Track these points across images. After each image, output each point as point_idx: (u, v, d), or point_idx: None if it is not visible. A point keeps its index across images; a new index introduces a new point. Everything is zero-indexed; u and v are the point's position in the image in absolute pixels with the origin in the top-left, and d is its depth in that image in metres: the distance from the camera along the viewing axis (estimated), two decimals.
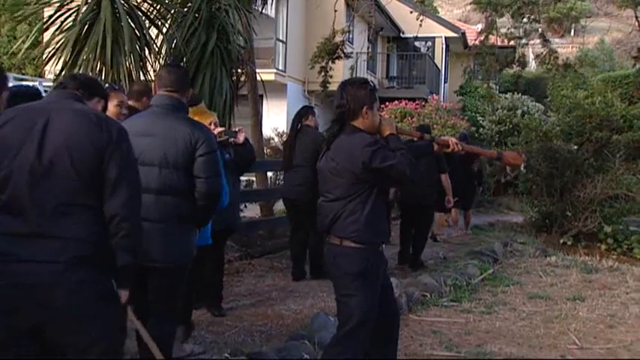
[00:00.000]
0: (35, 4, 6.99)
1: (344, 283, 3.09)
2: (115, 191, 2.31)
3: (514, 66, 13.25)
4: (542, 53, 11.98)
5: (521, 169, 4.10)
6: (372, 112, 3.14)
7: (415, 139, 3.67)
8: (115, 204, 2.31)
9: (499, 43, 13.05)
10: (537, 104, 17.23)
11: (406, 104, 15.94)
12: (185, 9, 7.23)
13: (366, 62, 18.75)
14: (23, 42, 7.34)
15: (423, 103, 16.73)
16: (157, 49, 6.96)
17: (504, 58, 12.87)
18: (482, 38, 12.44)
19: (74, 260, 2.21)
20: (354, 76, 15.47)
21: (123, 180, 2.33)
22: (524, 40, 12.58)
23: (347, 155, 3.05)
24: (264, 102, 10.45)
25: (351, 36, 17.22)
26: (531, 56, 17.87)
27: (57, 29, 6.83)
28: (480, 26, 23.38)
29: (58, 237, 2.22)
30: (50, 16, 6.77)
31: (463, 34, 22.55)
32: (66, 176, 2.26)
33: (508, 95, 17.84)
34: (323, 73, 11.74)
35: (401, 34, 21.48)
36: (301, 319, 4.82)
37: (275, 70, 14.69)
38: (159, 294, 3.19)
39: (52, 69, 7.07)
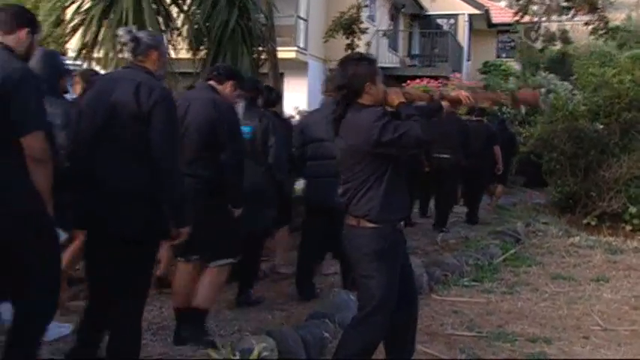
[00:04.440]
0: None
1: (363, 264, 3.06)
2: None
3: (556, 43, 12.91)
4: (591, 21, 11.53)
5: (541, 106, 4.06)
6: (376, 86, 3.06)
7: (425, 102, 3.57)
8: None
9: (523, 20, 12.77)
10: (564, 83, 16.92)
11: (428, 82, 15.75)
12: None
13: (387, 40, 18.53)
14: (45, 20, 7.37)
15: (446, 81, 16.53)
16: (178, 28, 6.95)
17: (534, 33, 12.57)
18: (517, 17, 12.11)
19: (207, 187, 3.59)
20: (374, 53, 15.35)
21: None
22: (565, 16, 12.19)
23: (357, 133, 2.99)
24: (285, 80, 10.42)
25: (372, 13, 17.04)
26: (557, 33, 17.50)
27: (78, 7, 6.84)
28: (503, 3, 22.99)
29: None
30: (70, 3, 6.77)
31: (487, 11, 22.17)
32: None
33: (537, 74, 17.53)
34: (349, 51, 11.63)
35: (423, 12, 21.19)
36: (321, 297, 4.82)
37: (296, 48, 14.58)
38: None
39: (74, 46, 7.11)
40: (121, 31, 3.10)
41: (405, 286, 3.15)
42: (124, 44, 3.05)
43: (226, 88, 3.88)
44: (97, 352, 3.10)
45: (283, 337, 3.59)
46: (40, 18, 9.71)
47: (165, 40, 6.50)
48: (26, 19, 2.81)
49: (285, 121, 5.54)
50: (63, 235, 2.85)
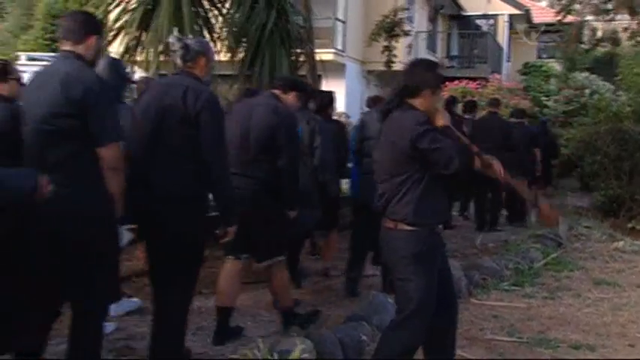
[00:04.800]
0: None
1: (400, 267, 3.04)
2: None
3: (605, 44, 12.64)
4: (630, 25, 11.26)
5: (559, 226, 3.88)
6: (433, 97, 3.05)
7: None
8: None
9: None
10: (606, 84, 16.54)
11: (467, 84, 15.55)
12: None
13: (426, 41, 18.40)
14: None
15: (484, 82, 16.31)
16: (217, 30, 7.02)
17: (577, 34, 12.32)
18: (560, 17, 11.88)
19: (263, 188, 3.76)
20: (413, 55, 15.25)
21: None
22: (609, 16, 11.91)
23: (397, 131, 2.98)
24: (323, 82, 10.41)
25: (411, 14, 16.93)
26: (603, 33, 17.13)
27: (121, 11, 6.97)
28: (545, 3, 22.58)
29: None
30: (115, 4, 6.91)
31: (527, 11, 21.81)
32: None
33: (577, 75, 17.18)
34: (386, 53, 11.60)
35: (462, 12, 20.97)
36: (359, 299, 4.80)
37: (334, 50, 14.58)
38: None
39: (116, 50, 7.25)
40: (171, 39, 3.22)
41: (444, 290, 3.11)
42: (175, 51, 3.16)
43: (290, 97, 4.10)
44: None
45: (321, 339, 3.59)
46: None
47: None
48: (94, 26, 2.92)
49: (335, 123, 5.58)
50: (128, 236, 2.97)
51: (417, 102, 3.03)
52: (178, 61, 3.17)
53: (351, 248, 5.21)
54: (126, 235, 2.97)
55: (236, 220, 3.19)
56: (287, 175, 3.88)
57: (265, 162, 3.85)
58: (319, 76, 8.94)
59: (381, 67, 14.02)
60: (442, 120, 3.07)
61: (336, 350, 3.60)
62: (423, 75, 3.05)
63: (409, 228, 2.98)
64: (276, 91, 4.09)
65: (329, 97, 5.63)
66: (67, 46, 2.81)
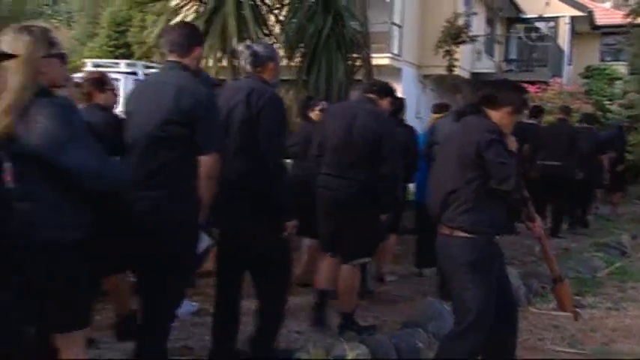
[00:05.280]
0: None
1: (457, 275, 3.00)
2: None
3: None
4: None
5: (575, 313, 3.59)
6: (510, 117, 3.03)
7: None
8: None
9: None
10: None
11: (526, 88, 15.22)
12: None
13: (484, 45, 18.11)
14: (151, 31, 7.74)
15: (545, 86, 15.92)
16: (275, 35, 7.11)
17: None
18: (629, 19, 11.51)
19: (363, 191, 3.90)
20: (474, 59, 15.05)
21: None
22: None
23: (467, 134, 2.96)
24: None
25: (468, 18, 16.71)
26: None
27: (182, 19, 7.14)
28: (609, 4, 21.89)
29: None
30: (176, 12, 7.09)
31: (590, 12, 21.18)
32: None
33: None
34: (447, 57, 11.49)
35: (521, 15, 20.53)
36: (415, 306, 4.76)
37: (390, 55, 14.53)
38: None
39: None
40: (241, 47, 3.40)
41: (503, 299, 3.05)
42: (244, 58, 3.32)
43: (385, 103, 4.22)
44: (234, 346, 3.41)
45: (377, 345, 3.58)
46: (147, 30, 10.23)
47: None
48: (198, 38, 3.12)
49: (405, 128, 5.61)
50: (206, 241, 3.18)
51: (493, 114, 3.01)
52: (248, 67, 3.31)
53: (416, 254, 5.30)
54: (205, 239, 3.12)
55: (293, 217, 3.29)
56: (389, 180, 3.98)
57: (366, 166, 3.94)
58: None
59: (438, 72, 13.89)
60: (511, 145, 3.03)
61: (392, 356, 3.58)
62: (510, 92, 3.05)
63: (466, 235, 2.94)
64: (372, 96, 4.18)
65: (400, 102, 5.68)
66: (173, 58, 2.97)
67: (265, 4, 7.08)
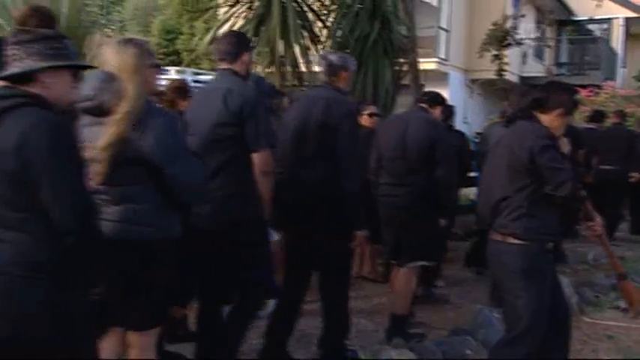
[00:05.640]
0: (209, 1, 7.50)
1: (509, 282, 2.95)
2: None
3: None
4: None
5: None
6: (562, 120, 2.97)
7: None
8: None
9: None
10: None
11: (577, 89, 14.82)
12: (348, 1, 7.33)
13: (533, 48, 17.78)
14: (200, 39, 7.89)
15: (597, 90, 15.51)
16: (321, 41, 7.15)
17: None
18: None
19: (421, 196, 4.03)
20: (524, 63, 14.79)
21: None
22: None
23: (518, 140, 2.91)
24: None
25: (516, 21, 16.44)
26: None
27: (230, 27, 7.26)
28: None
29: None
30: (225, 20, 7.21)
31: None
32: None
33: None
34: (496, 62, 11.33)
35: (572, 17, 20.07)
36: (463, 313, 4.70)
37: (437, 59, 14.42)
38: None
39: None
40: (318, 57, 3.55)
41: (555, 307, 2.99)
42: (320, 67, 3.51)
43: (436, 112, 4.36)
44: (285, 348, 3.52)
45: (424, 352, 3.55)
46: (196, 37, 10.42)
47: (307, 54, 6.74)
48: (245, 44, 3.26)
49: (456, 133, 5.61)
50: (274, 237, 3.41)
51: (544, 118, 2.96)
52: (323, 76, 3.48)
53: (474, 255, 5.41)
54: (273, 235, 3.35)
55: (362, 226, 3.43)
56: (444, 184, 4.09)
57: (423, 172, 4.06)
58: (422, 86, 8.88)
59: (486, 76, 13.70)
60: (563, 146, 2.98)
61: None
62: (560, 94, 2.99)
63: (518, 242, 2.89)
64: (424, 105, 4.33)
65: (449, 109, 5.69)
66: (224, 65, 3.15)
67: (312, 10, 7.13)
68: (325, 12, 7.26)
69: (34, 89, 1.96)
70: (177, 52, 17.85)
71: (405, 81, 8.09)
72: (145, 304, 2.47)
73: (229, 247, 3.02)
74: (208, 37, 7.55)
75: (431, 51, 13.78)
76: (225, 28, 7.37)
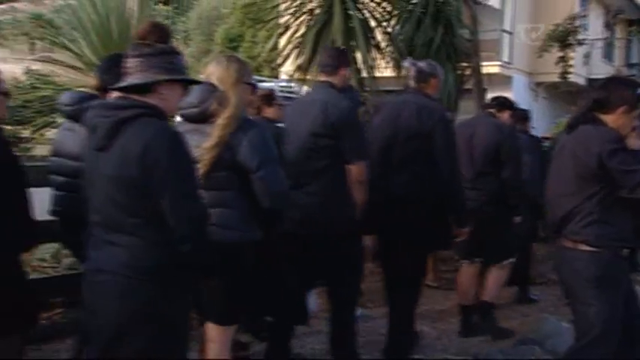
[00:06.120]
0: (272, 8, 7.61)
1: (581, 291, 2.86)
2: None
3: None
4: None
5: None
6: (627, 117, 2.86)
7: None
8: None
9: None
10: None
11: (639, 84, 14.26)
12: (410, 5, 7.30)
13: (602, 49, 17.20)
14: (262, 47, 8.01)
15: None
16: (383, 47, 7.13)
17: None
18: None
19: (491, 198, 4.22)
20: (588, 65, 14.34)
21: None
22: None
23: (584, 145, 2.81)
24: (488, 95, 10.14)
25: (585, 21, 15.97)
26: None
27: (292, 34, 7.34)
28: None
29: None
30: (286, 28, 7.29)
31: None
32: None
33: None
34: (561, 64, 11.02)
35: None
36: (529, 322, 4.59)
37: (500, 63, 14.17)
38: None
39: (287, 70, 7.63)
40: (406, 63, 3.71)
41: (629, 318, 2.89)
42: (409, 74, 3.65)
43: (504, 116, 4.49)
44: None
45: None
46: (258, 45, 10.59)
47: (369, 60, 6.74)
48: (345, 60, 3.43)
49: (531, 138, 5.56)
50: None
51: (608, 118, 2.85)
52: (412, 83, 3.61)
53: None
54: (367, 240, 3.47)
55: (468, 223, 3.62)
56: (511, 185, 4.22)
57: (490, 174, 4.20)
58: (485, 90, 8.73)
59: (551, 79, 13.36)
60: (632, 143, 2.87)
61: None
62: (621, 91, 2.87)
63: (591, 249, 2.81)
64: (492, 110, 4.48)
65: (521, 113, 5.62)
66: (323, 77, 3.33)
67: (374, 17, 7.12)
68: (387, 18, 7.24)
69: (150, 100, 2.09)
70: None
71: (468, 85, 7.97)
72: (225, 302, 2.64)
73: (322, 252, 3.16)
74: (269, 45, 7.65)
75: (494, 54, 13.56)
76: (287, 35, 7.47)
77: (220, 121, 2.59)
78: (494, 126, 4.29)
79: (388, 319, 3.64)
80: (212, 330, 2.69)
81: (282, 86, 9.72)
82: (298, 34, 7.21)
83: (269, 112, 4.10)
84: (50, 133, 6.48)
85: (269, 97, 4.24)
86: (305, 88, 7.07)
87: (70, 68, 6.29)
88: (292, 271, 3.15)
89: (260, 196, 2.61)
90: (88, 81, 6.27)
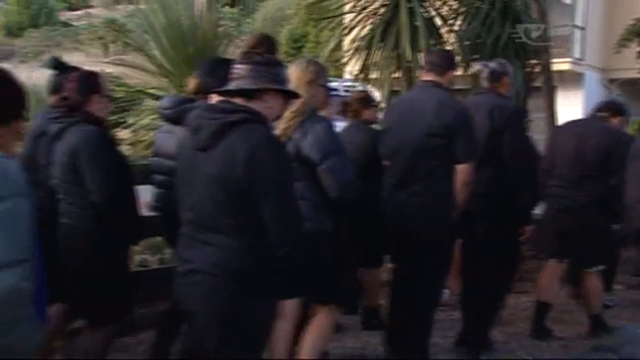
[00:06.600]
0: (336, 8, 7.63)
1: None
2: None
3: None
4: None
5: None
6: None
7: None
8: None
9: None
10: None
11: None
12: (477, 2, 7.15)
13: None
14: (325, 46, 8.04)
15: None
16: (449, 45, 7.03)
17: None
18: None
19: (594, 201, 4.11)
20: None
21: None
22: None
23: None
24: (559, 94, 9.81)
25: None
26: None
27: (356, 34, 7.33)
28: None
29: None
30: (351, 27, 7.29)
31: None
32: None
33: None
34: None
35: None
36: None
37: (571, 59, 13.72)
38: None
39: (351, 70, 7.63)
40: (479, 66, 3.82)
41: None
42: (482, 75, 3.78)
43: (615, 122, 4.39)
44: None
45: None
46: (322, 45, 10.63)
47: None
48: (453, 62, 3.56)
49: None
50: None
51: None
52: (485, 83, 3.74)
53: None
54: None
55: (531, 221, 3.73)
56: (619, 192, 4.06)
57: (596, 177, 4.15)
58: (554, 88, 8.47)
59: (627, 75, 12.83)
60: None
61: None
62: None
63: None
64: (604, 114, 4.38)
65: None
66: (429, 77, 3.39)
67: (440, 14, 7.03)
68: (454, 15, 7.12)
69: (254, 106, 2.18)
70: None
71: (537, 83, 7.75)
72: (316, 283, 2.85)
73: (421, 249, 3.23)
74: (332, 44, 7.66)
75: (565, 51, 13.15)
76: (352, 35, 7.46)
77: (287, 114, 2.71)
78: (608, 131, 4.23)
79: (466, 320, 3.79)
80: (316, 308, 2.97)
81: (346, 86, 9.74)
82: (363, 33, 7.19)
83: (367, 114, 4.16)
84: (122, 133, 6.71)
85: (366, 99, 4.29)
86: (369, 88, 7.04)
87: (141, 70, 6.49)
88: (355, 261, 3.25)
89: (327, 188, 2.73)
90: (159, 82, 6.48)
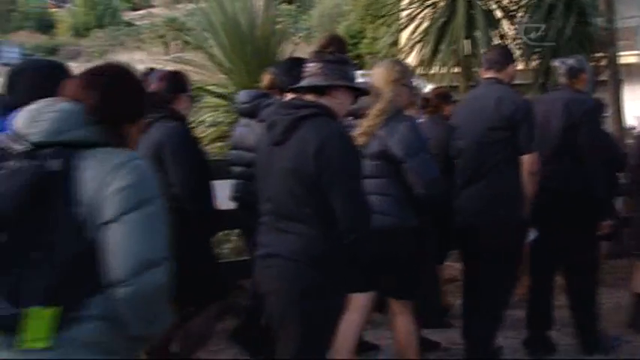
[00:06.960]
0: (393, 4, 7.58)
1: None
2: None
3: None
4: None
5: None
6: None
7: None
8: None
9: None
10: None
11: None
12: None
13: None
14: (383, 41, 8.00)
15: None
16: (509, 39, 6.89)
17: None
18: None
19: None
20: None
21: None
22: None
23: None
24: (625, 88, 9.46)
25: None
26: None
27: (414, 29, 7.27)
28: None
29: None
30: (408, 22, 7.23)
31: None
32: None
33: None
34: None
35: None
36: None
37: (638, 52, 13.22)
38: None
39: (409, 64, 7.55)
40: (557, 62, 3.84)
41: None
42: (560, 72, 3.77)
43: None
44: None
45: None
46: (379, 40, 10.60)
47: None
48: (511, 57, 3.57)
49: None
50: (533, 234, 3.56)
51: None
52: (563, 80, 3.75)
53: None
54: (531, 233, 3.51)
55: (610, 215, 3.73)
56: None
57: None
58: (621, 82, 8.16)
59: None
60: None
61: None
62: None
63: None
64: None
65: None
66: (490, 74, 3.46)
67: (500, 7, 6.88)
68: (514, 8, 6.96)
69: (324, 102, 2.29)
70: (359, 56, 18.26)
71: (603, 77, 7.49)
72: (394, 278, 2.91)
73: (491, 244, 3.24)
74: (389, 40, 7.62)
75: (632, 43, 12.67)
76: (409, 30, 7.40)
77: (373, 111, 2.83)
78: None
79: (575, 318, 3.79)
80: (395, 305, 3.00)
81: None
82: (421, 28, 7.13)
83: (447, 110, 4.19)
84: None
85: (446, 95, 4.35)
86: (427, 83, 6.97)
87: (200, 68, 6.61)
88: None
89: (413, 184, 2.80)
90: (218, 80, 6.57)
